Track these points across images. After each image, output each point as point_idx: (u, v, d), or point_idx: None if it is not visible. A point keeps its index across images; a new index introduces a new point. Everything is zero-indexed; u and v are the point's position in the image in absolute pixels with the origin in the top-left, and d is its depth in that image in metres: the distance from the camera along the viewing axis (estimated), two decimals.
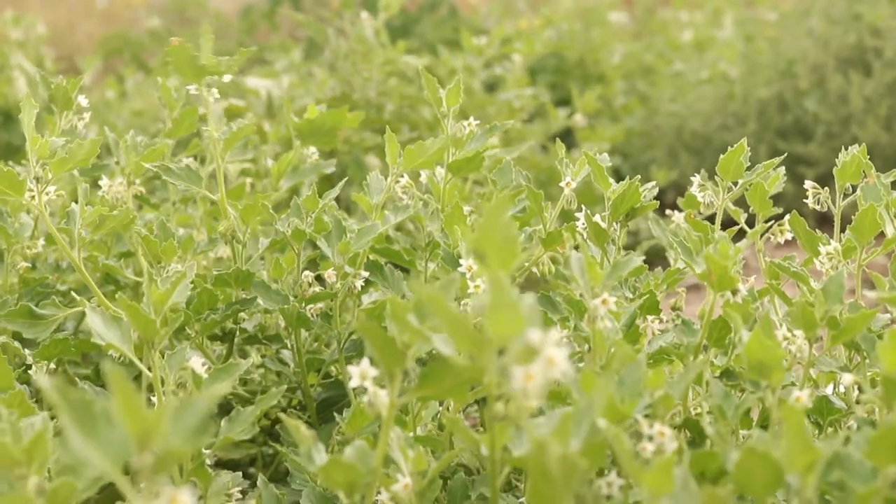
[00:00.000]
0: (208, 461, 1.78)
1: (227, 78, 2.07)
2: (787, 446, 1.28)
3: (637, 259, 1.69)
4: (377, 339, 1.36)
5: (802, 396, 1.42)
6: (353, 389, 2.02)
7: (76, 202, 2.09)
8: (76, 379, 2.20)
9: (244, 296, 2.16)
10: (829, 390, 1.96)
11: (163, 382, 1.73)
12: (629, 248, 3.03)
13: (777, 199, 2.17)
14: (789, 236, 2.11)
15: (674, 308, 2.20)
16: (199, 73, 2.03)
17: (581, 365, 1.66)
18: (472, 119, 2.21)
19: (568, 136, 4.26)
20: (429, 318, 1.38)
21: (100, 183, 2.25)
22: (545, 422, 1.42)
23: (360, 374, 1.40)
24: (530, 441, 1.17)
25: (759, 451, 1.29)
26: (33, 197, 1.98)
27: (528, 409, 1.24)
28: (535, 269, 2.14)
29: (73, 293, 2.10)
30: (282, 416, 1.47)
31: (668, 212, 2.35)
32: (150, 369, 1.71)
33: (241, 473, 1.93)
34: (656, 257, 2.68)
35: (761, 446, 1.30)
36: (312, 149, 2.56)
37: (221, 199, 2.16)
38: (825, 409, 1.88)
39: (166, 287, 1.70)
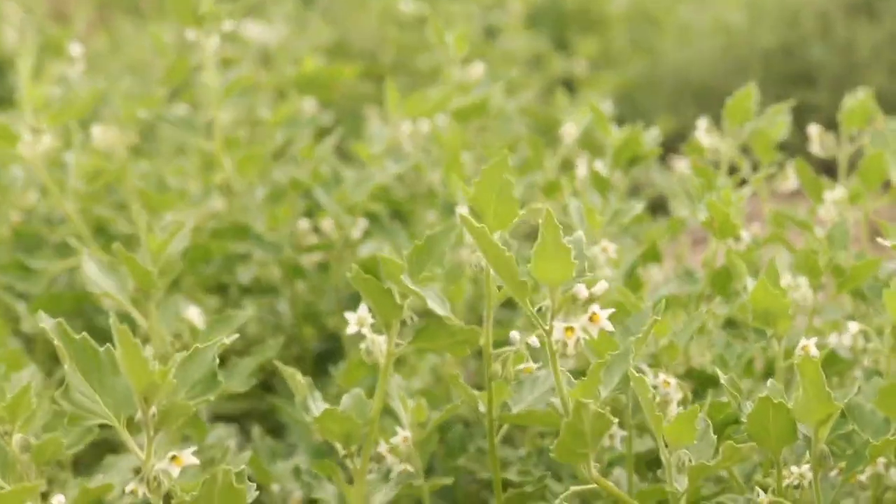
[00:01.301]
0: (203, 414, 1.76)
1: (227, 25, 2.04)
2: (803, 398, 1.25)
3: (637, 206, 1.66)
4: (373, 290, 1.34)
5: (811, 346, 1.39)
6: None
7: (69, 153, 2.06)
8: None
9: (240, 247, 2.13)
10: (833, 340, 1.93)
11: (159, 335, 1.70)
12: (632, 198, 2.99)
13: (781, 148, 2.13)
14: (794, 185, 2.08)
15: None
16: (199, 19, 2.00)
17: None
18: (477, 64, 2.18)
19: (569, 87, 4.22)
20: (426, 268, 1.36)
21: (92, 131, 2.21)
22: (545, 375, 1.40)
23: (357, 320, 1.37)
24: (563, 400, 1.14)
25: (774, 403, 1.26)
26: (28, 148, 1.94)
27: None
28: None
29: (66, 244, 2.07)
30: (278, 364, 1.44)
31: (671, 158, 2.32)
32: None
33: (236, 427, 1.91)
34: (660, 209, 2.64)
35: (776, 397, 1.27)
36: (309, 99, 2.52)
37: (217, 149, 2.13)
38: (830, 359, 1.86)
39: (164, 237, 1.67)
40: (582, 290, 1.11)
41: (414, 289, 1.31)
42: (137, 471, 1.07)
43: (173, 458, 1.03)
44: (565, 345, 1.12)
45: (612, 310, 1.12)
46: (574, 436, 1.11)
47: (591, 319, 1.12)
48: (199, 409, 1.68)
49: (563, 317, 1.13)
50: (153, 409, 1.03)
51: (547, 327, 1.14)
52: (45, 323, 1.10)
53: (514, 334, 1.22)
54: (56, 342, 1.08)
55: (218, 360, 2.04)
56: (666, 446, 1.27)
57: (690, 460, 1.26)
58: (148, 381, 1.01)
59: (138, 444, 1.06)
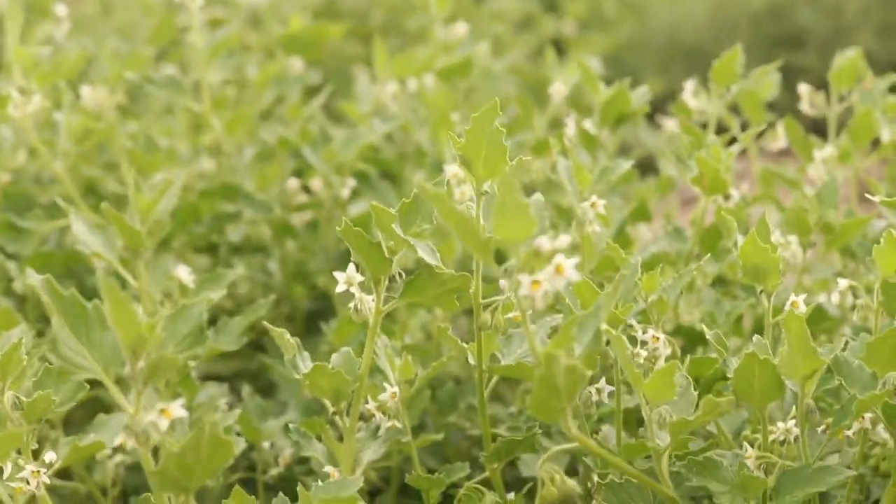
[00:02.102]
0: (194, 373, 1.76)
1: None
2: (788, 353, 1.25)
3: (626, 163, 1.66)
4: (362, 244, 1.34)
5: (799, 301, 1.39)
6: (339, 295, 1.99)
7: (58, 112, 2.05)
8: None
9: (229, 207, 2.12)
10: (822, 298, 1.94)
11: (148, 294, 1.70)
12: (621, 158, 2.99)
13: (770, 109, 2.13)
14: (783, 144, 2.08)
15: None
16: None
17: None
18: (460, 23, 2.17)
19: (558, 48, 4.20)
20: (415, 224, 1.35)
21: (81, 92, 2.21)
22: (536, 330, 1.40)
23: (346, 279, 1.37)
24: (534, 353, 1.14)
25: (760, 359, 1.26)
26: (17, 108, 1.93)
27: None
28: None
29: (57, 204, 2.07)
30: (266, 324, 1.44)
31: (660, 119, 2.32)
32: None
33: (227, 386, 1.92)
34: (649, 169, 2.64)
35: (762, 352, 1.27)
36: (297, 59, 2.51)
37: (205, 109, 2.12)
38: (819, 316, 1.86)
39: (153, 196, 1.67)
40: (544, 243, 1.10)
41: (404, 238, 1.31)
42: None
43: (162, 410, 1.03)
44: (534, 300, 1.11)
45: (577, 259, 1.11)
46: (547, 389, 1.09)
47: (556, 271, 1.11)
48: (189, 369, 1.70)
49: (529, 273, 1.12)
50: (141, 363, 1.02)
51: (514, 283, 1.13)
52: (34, 279, 1.10)
53: (504, 282, 1.22)
54: (44, 298, 1.08)
55: (208, 320, 2.05)
56: (647, 402, 1.27)
57: (671, 416, 1.27)
58: (136, 333, 1.01)
59: (129, 403, 1.06)
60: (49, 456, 1.36)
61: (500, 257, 1.18)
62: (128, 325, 1.02)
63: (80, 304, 1.07)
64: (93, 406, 1.91)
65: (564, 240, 1.10)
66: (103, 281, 1.00)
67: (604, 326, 1.18)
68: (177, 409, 1.03)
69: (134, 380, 1.03)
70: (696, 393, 1.30)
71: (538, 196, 1.17)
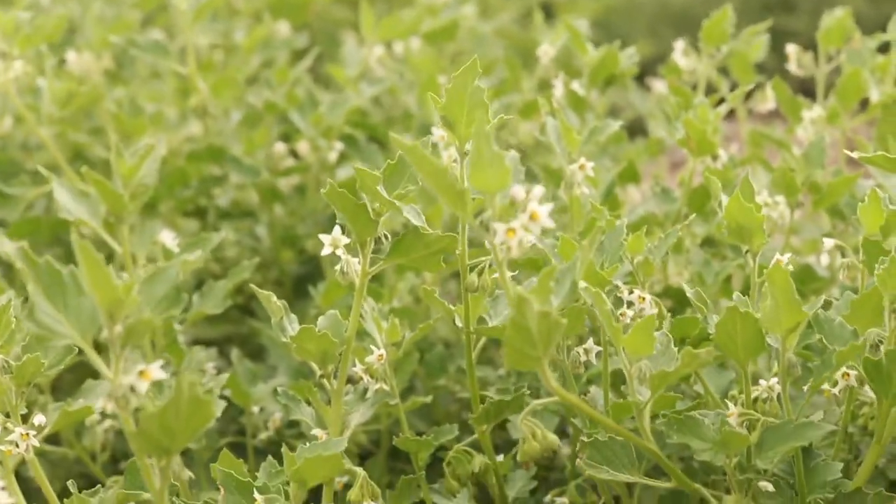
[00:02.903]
0: (182, 338, 1.76)
1: None
2: (771, 307, 1.25)
3: (614, 124, 1.65)
4: (347, 206, 1.33)
5: (783, 259, 1.39)
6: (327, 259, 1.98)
7: (42, 78, 2.04)
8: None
9: (216, 170, 2.12)
10: (811, 259, 1.94)
11: (133, 259, 1.69)
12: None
13: (759, 71, 2.13)
14: (772, 105, 2.07)
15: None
16: None
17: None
18: None
19: (547, 12, 4.18)
20: (400, 186, 1.35)
21: (67, 57, 2.19)
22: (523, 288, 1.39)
23: (331, 241, 1.36)
24: (510, 298, 1.13)
25: (741, 312, 1.26)
26: None
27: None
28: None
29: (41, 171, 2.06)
30: (254, 287, 1.44)
31: (649, 82, 2.31)
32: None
33: (216, 351, 1.91)
34: (639, 132, 2.63)
35: (743, 307, 1.27)
36: (284, 23, 2.50)
37: (192, 73, 2.11)
38: (807, 277, 1.86)
39: (134, 160, 1.66)
40: (519, 191, 1.10)
41: (390, 199, 1.31)
42: None
43: (141, 372, 1.02)
44: (510, 248, 1.11)
45: (551, 205, 1.11)
46: (520, 334, 1.08)
47: (531, 218, 1.10)
48: (175, 333, 1.70)
49: (505, 222, 1.11)
50: (119, 327, 1.02)
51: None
52: (7, 247, 1.09)
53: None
54: (19, 265, 1.07)
55: (196, 284, 2.05)
56: (627, 357, 1.27)
57: (652, 370, 1.26)
58: (112, 296, 1.00)
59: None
60: (38, 419, 1.36)
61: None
62: (104, 288, 1.01)
63: (55, 271, 1.06)
64: (82, 372, 1.91)
65: (539, 189, 1.10)
66: (78, 242, 0.99)
67: (583, 283, 1.18)
68: (156, 370, 1.02)
69: (112, 343, 1.02)
70: (677, 350, 1.30)
71: (514, 153, 1.17)
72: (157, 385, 1.46)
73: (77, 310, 1.04)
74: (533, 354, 1.10)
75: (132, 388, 1.02)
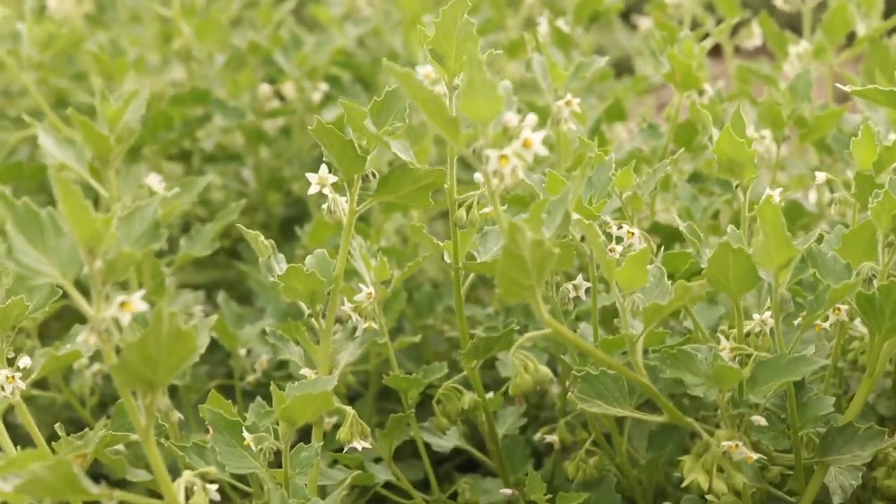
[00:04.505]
0: (170, 282, 1.75)
1: None
2: (762, 242, 1.24)
3: (600, 60, 1.64)
4: (334, 143, 1.31)
5: (774, 195, 1.38)
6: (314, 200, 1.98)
7: (21, 23, 2.02)
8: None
9: (200, 112, 2.10)
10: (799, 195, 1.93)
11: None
12: None
13: (745, 6, 2.11)
14: (758, 42, 2.06)
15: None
16: None
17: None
18: None
19: None
20: (387, 123, 1.33)
21: (48, 1, 2.17)
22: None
23: (318, 180, 1.35)
24: (502, 227, 1.11)
25: (733, 248, 1.25)
26: None
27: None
28: None
29: (25, 116, 2.04)
30: (241, 227, 1.42)
31: (635, 20, 2.30)
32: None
33: (204, 294, 1.90)
34: (626, 71, 2.62)
35: (735, 241, 1.26)
36: None
37: (175, 15, 2.09)
38: (796, 212, 1.86)
39: (119, 104, 1.64)
40: (511, 119, 1.08)
41: (377, 135, 1.29)
42: None
43: (122, 304, 1.01)
44: (503, 176, 1.09)
45: (544, 132, 1.09)
46: (514, 264, 1.07)
47: (524, 145, 1.09)
48: (163, 276, 1.69)
49: (498, 149, 1.10)
50: (99, 262, 1.01)
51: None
52: None
53: (479, 175, 1.19)
54: None
55: (182, 228, 2.04)
56: (620, 291, 1.26)
57: (645, 303, 1.26)
58: (90, 230, 0.99)
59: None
60: (23, 361, 1.35)
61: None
62: (82, 222, 1.00)
63: (33, 212, 1.05)
64: (69, 319, 1.90)
65: (532, 117, 1.09)
66: (56, 178, 0.98)
67: (574, 215, 1.16)
68: (137, 301, 1.01)
69: (93, 279, 1.01)
70: (670, 283, 1.29)
71: (507, 82, 1.15)
72: (143, 322, 1.46)
73: (56, 250, 1.03)
74: (526, 283, 1.09)
75: (114, 321, 1.01)
